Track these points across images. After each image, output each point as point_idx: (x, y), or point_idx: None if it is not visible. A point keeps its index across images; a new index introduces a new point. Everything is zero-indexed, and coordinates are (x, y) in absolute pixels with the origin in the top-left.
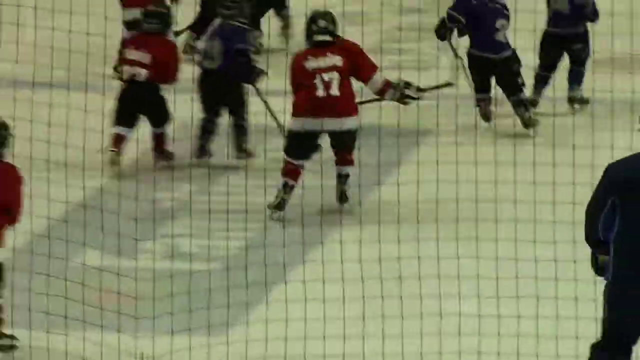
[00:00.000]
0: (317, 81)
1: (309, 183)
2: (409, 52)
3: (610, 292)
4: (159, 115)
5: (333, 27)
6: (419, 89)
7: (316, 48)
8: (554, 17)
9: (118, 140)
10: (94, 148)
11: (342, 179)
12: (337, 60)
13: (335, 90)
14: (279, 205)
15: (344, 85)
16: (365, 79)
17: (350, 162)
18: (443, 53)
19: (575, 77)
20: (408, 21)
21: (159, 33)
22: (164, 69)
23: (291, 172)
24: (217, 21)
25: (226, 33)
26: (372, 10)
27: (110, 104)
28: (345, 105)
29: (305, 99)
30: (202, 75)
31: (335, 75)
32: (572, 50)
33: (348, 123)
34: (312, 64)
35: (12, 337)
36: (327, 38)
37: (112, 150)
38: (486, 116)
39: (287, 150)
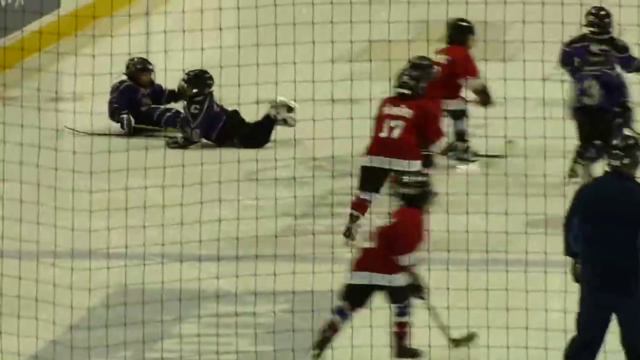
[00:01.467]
0: (385, 125)
1: None
2: None
3: (581, 299)
4: None
5: (414, 84)
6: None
7: (395, 98)
8: None
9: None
10: None
11: None
12: (407, 112)
13: (395, 135)
14: (347, 233)
15: (407, 134)
16: (428, 142)
17: None
18: None
19: None
20: None
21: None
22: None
23: (357, 205)
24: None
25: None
26: None
27: None
28: (407, 150)
29: (373, 139)
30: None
31: (400, 124)
32: None
33: (406, 165)
34: (386, 110)
35: None
36: (406, 92)
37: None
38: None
39: (358, 184)
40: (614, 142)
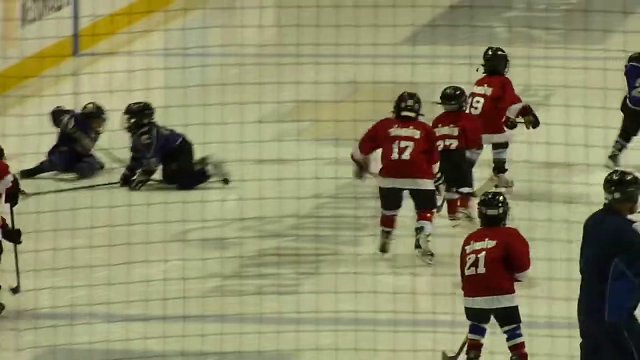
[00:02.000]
0: (394, 146)
1: None
2: None
3: None
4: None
5: (418, 107)
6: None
7: (401, 121)
8: None
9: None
10: None
11: (417, 230)
12: (415, 133)
13: (406, 156)
14: (383, 248)
15: (416, 152)
16: (433, 162)
17: (425, 219)
18: None
19: None
20: None
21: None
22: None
23: (386, 221)
24: None
25: None
26: None
27: None
28: (418, 168)
29: (385, 161)
30: None
31: (410, 144)
32: None
33: (421, 184)
34: (395, 131)
35: None
36: (412, 115)
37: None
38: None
39: (381, 203)
40: (608, 176)
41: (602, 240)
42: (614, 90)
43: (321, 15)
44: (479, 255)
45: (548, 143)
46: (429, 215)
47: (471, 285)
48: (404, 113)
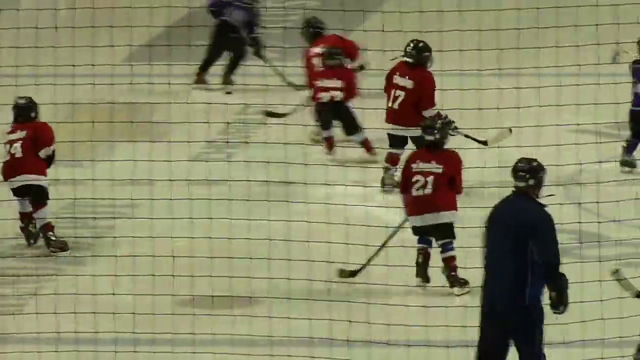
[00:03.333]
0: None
1: None
2: None
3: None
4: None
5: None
6: None
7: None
8: None
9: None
10: None
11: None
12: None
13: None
14: (383, 183)
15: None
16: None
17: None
18: None
19: None
20: None
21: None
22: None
23: (390, 159)
24: None
25: None
26: None
27: None
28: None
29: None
30: None
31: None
32: None
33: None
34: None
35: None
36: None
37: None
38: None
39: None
40: (519, 164)
41: (523, 226)
42: None
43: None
44: (427, 179)
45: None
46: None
47: (419, 205)
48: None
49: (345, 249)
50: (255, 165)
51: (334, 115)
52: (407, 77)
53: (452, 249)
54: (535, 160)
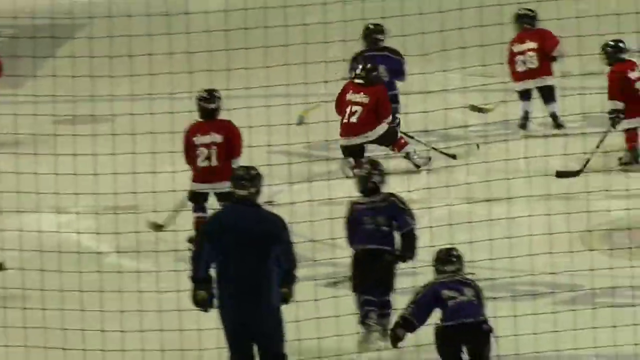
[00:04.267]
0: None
1: None
2: None
3: (221, 316)
4: None
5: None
6: None
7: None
8: None
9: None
10: None
11: None
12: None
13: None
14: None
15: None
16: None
17: None
18: None
19: None
20: None
21: None
22: None
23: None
24: None
25: None
26: None
27: None
28: None
29: None
30: None
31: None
32: None
33: None
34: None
35: None
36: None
37: None
38: None
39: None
40: (239, 173)
41: (263, 233)
42: None
43: None
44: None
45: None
46: None
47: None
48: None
49: None
50: None
51: None
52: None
53: None
54: (253, 167)
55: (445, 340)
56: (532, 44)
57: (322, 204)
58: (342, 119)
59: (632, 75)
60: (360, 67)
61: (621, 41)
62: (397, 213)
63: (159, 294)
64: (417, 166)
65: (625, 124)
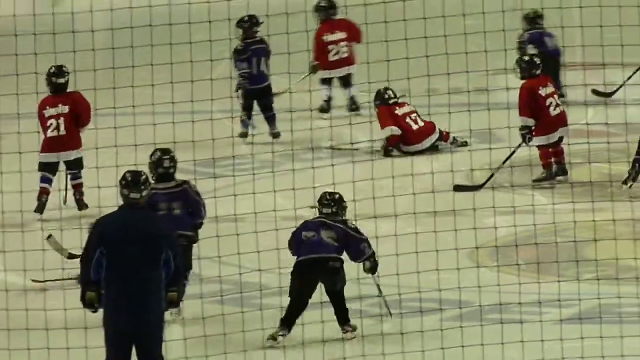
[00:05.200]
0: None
1: None
2: None
3: (106, 319)
4: None
5: None
6: None
7: None
8: None
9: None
10: None
11: None
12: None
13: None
14: None
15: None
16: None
17: None
18: None
19: None
20: None
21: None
22: None
23: None
24: None
25: None
26: None
27: None
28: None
29: None
30: None
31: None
32: None
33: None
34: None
35: None
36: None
37: None
38: None
39: None
40: (129, 178)
41: (153, 235)
42: None
43: None
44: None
45: None
46: None
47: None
48: None
49: None
50: None
51: None
52: None
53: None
54: (142, 172)
55: (295, 272)
56: (341, 34)
57: (210, 221)
58: None
59: (543, 91)
60: None
61: (536, 55)
62: (189, 199)
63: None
64: None
65: (537, 140)
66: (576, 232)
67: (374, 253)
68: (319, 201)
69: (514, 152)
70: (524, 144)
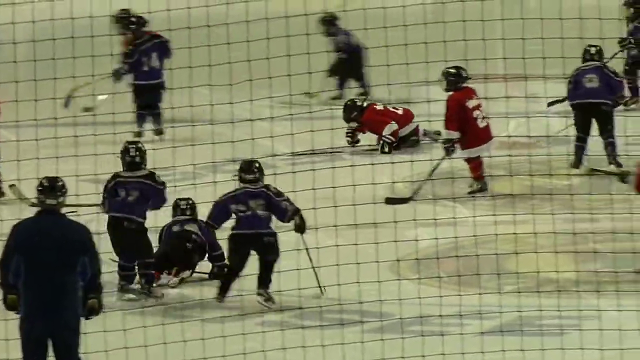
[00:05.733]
0: None
1: None
2: None
3: (22, 324)
4: None
5: None
6: None
7: None
8: None
9: None
10: None
11: None
12: None
13: None
14: None
15: None
16: None
17: None
18: None
19: None
20: None
21: None
22: None
23: None
24: None
25: None
26: None
27: None
28: None
29: None
30: None
31: None
32: None
33: None
34: None
35: None
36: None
37: None
38: None
39: None
40: (47, 184)
41: (69, 241)
42: None
43: None
44: None
45: None
46: None
47: None
48: None
49: None
50: None
51: None
52: None
53: None
54: (59, 178)
55: (233, 245)
56: None
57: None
58: None
59: (470, 103)
60: None
61: (462, 68)
62: (151, 190)
63: None
64: None
65: (466, 153)
66: (497, 244)
67: (298, 210)
68: (241, 169)
69: (438, 164)
70: (447, 156)
